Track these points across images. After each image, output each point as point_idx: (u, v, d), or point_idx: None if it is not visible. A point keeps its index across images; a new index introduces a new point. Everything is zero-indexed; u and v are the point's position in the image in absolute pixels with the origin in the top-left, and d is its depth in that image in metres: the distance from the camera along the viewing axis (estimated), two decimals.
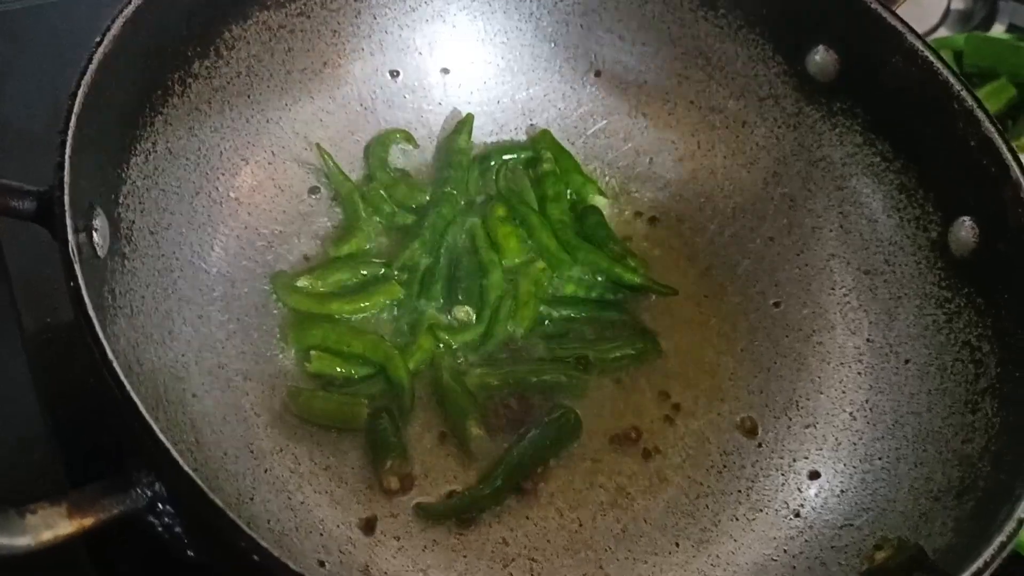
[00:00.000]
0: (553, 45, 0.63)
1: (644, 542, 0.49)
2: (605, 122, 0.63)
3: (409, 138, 0.60)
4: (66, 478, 0.50)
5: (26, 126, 0.62)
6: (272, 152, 0.56)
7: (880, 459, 0.50)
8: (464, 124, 0.61)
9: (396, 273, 0.55)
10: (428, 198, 0.59)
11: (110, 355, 0.34)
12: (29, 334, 0.54)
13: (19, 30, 0.67)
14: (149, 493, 0.33)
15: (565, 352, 0.54)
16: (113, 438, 0.43)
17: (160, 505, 0.34)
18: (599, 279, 0.57)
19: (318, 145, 0.57)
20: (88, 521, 0.32)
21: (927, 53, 0.52)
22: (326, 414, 0.49)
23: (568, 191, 0.60)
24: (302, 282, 0.53)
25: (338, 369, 0.51)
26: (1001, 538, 0.37)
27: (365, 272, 0.55)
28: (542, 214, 0.59)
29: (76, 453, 0.50)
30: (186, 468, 0.32)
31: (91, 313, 0.35)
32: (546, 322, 0.55)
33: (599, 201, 0.60)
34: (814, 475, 0.51)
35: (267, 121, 0.56)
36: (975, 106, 0.50)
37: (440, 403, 0.51)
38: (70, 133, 0.39)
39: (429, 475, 0.49)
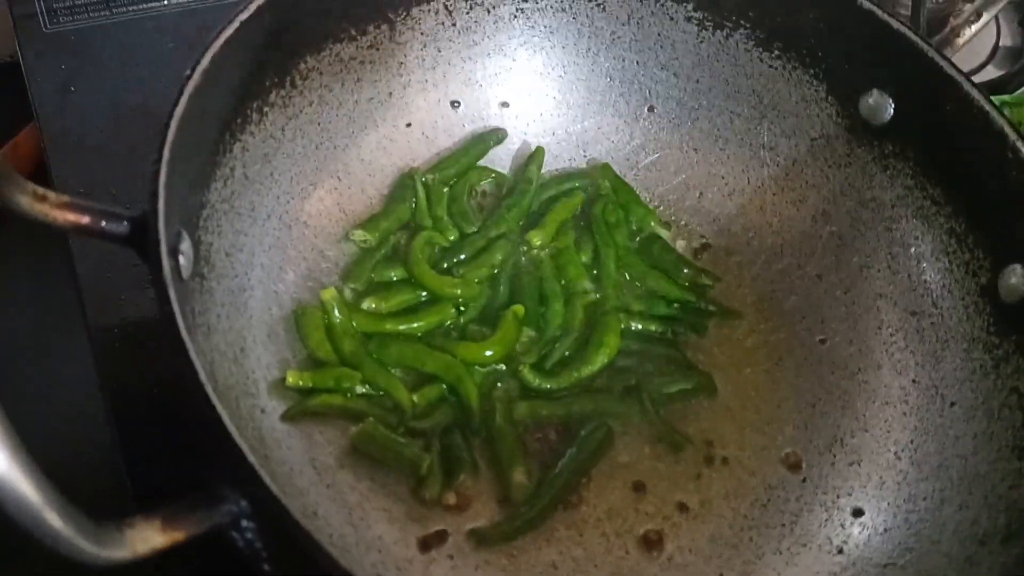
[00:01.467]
0: (609, 80, 0.65)
1: (689, 572, 0.50)
2: (657, 155, 0.65)
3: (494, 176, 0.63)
4: (129, 482, 0.52)
5: (89, 139, 0.64)
6: (338, 178, 0.59)
7: (925, 500, 0.51)
8: (535, 158, 0.63)
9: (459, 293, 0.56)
10: (486, 224, 0.60)
11: (202, 376, 0.36)
12: (96, 336, 0.56)
13: (86, 47, 0.69)
14: (235, 509, 0.35)
15: (617, 383, 0.55)
16: (178, 444, 0.45)
17: (244, 521, 0.36)
18: (654, 313, 0.59)
19: (415, 170, 0.60)
20: (179, 535, 0.34)
21: (982, 102, 0.53)
22: (386, 456, 0.50)
23: (630, 220, 0.62)
24: (368, 303, 0.55)
25: (311, 385, 0.51)
26: None
27: (424, 294, 0.57)
28: (606, 242, 0.61)
29: (141, 458, 0.53)
30: (272, 487, 0.34)
31: (185, 336, 0.37)
32: None
33: (661, 232, 0.62)
34: (858, 512, 0.52)
35: (335, 148, 0.58)
36: None
37: (487, 441, 0.52)
38: (164, 161, 0.41)
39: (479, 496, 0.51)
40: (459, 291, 0.56)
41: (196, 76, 0.44)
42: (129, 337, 0.57)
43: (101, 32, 0.71)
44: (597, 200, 0.62)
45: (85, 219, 0.41)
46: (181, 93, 0.44)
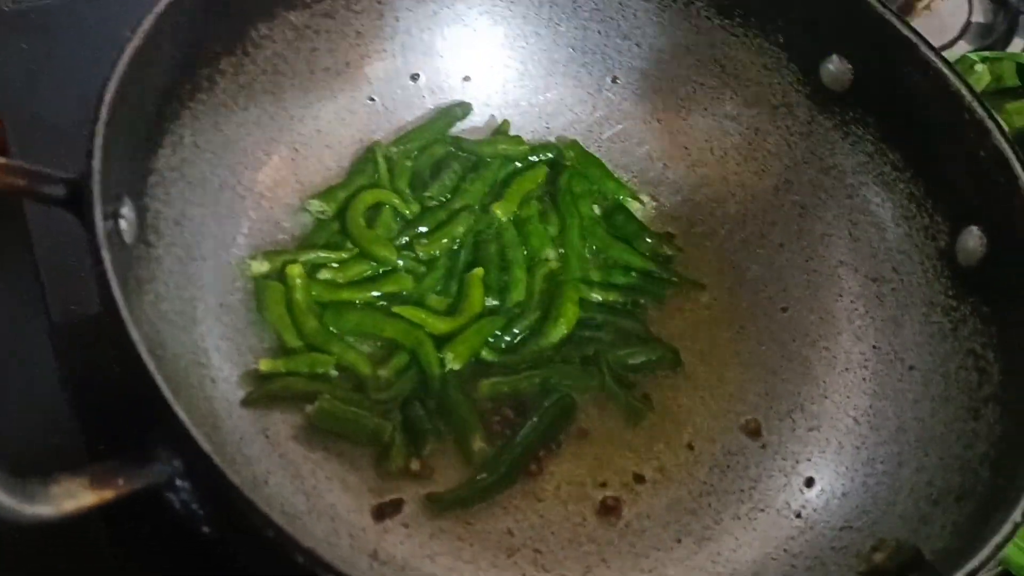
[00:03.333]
0: (571, 51, 0.64)
1: (646, 537, 0.50)
2: (620, 127, 0.65)
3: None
4: (88, 460, 0.52)
5: (57, 120, 0.63)
6: (295, 149, 0.58)
7: (882, 463, 0.51)
8: (500, 130, 0.63)
9: (401, 263, 0.56)
10: (449, 197, 0.60)
11: (133, 333, 0.35)
12: (56, 322, 0.56)
13: (51, 25, 0.68)
14: (168, 469, 0.35)
15: (577, 354, 0.55)
16: (134, 422, 0.45)
17: (178, 481, 0.35)
18: (613, 283, 0.58)
19: (377, 143, 0.59)
20: (109, 493, 0.33)
21: (939, 64, 0.52)
22: (347, 430, 0.50)
23: (599, 192, 0.62)
24: (324, 274, 0.54)
25: (283, 371, 0.51)
26: (996, 540, 0.38)
27: (381, 266, 0.56)
28: (571, 212, 0.60)
29: (98, 437, 0.52)
30: (203, 444, 0.34)
31: (116, 294, 0.36)
32: None
33: (633, 205, 0.62)
34: (816, 477, 0.52)
35: (290, 119, 0.58)
36: (986, 117, 0.50)
37: (443, 412, 0.52)
38: (101, 122, 0.41)
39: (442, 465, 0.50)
40: (388, 253, 0.56)
41: (137, 37, 0.44)
42: (91, 319, 0.57)
43: (64, 11, 0.70)
44: (563, 171, 0.62)
45: (21, 181, 0.40)
46: (121, 53, 0.43)
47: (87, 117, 0.41)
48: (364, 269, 0.56)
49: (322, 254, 0.55)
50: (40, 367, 0.62)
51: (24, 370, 0.70)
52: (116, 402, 0.52)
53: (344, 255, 0.56)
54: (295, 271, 0.53)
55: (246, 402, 0.49)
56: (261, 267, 0.53)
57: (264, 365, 0.50)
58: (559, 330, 0.55)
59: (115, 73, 0.42)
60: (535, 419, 0.52)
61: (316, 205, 0.57)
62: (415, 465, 0.50)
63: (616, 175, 0.63)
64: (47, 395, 0.61)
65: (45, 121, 0.64)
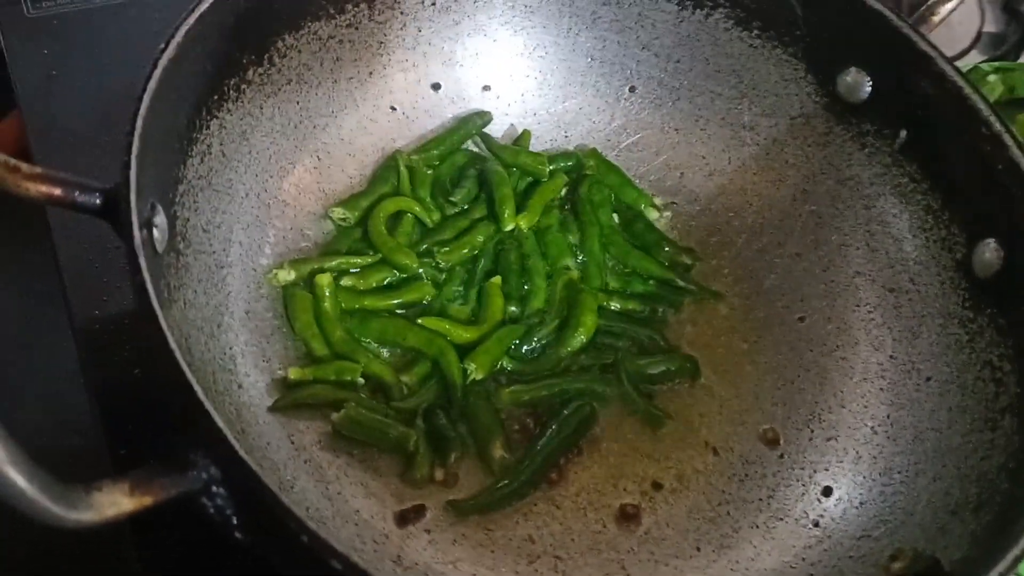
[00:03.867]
0: (590, 60, 0.65)
1: (666, 545, 0.51)
2: (638, 136, 0.65)
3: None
4: (111, 464, 0.53)
5: (75, 124, 0.64)
6: (318, 157, 0.59)
7: (899, 473, 0.51)
8: (521, 140, 0.63)
9: (421, 270, 0.57)
10: (470, 206, 0.60)
11: (172, 343, 0.36)
12: (78, 326, 0.57)
13: (71, 31, 0.69)
14: (205, 475, 0.35)
15: (597, 362, 0.55)
16: (157, 426, 0.45)
17: (214, 488, 0.36)
18: (632, 291, 0.59)
19: (398, 152, 0.60)
20: (148, 500, 0.34)
21: (956, 77, 0.53)
22: (372, 437, 0.51)
23: (618, 201, 0.62)
24: (345, 281, 0.55)
25: (312, 378, 0.51)
26: (1016, 551, 0.39)
27: (402, 274, 0.57)
28: (591, 221, 0.61)
29: (119, 440, 0.53)
30: (240, 452, 0.34)
31: (155, 305, 0.37)
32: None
33: (651, 214, 0.62)
34: (834, 487, 0.52)
35: (314, 127, 0.58)
36: (1003, 130, 0.51)
37: (465, 420, 0.52)
38: (136, 133, 0.41)
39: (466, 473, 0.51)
40: (409, 261, 0.56)
41: (170, 50, 0.45)
42: (112, 323, 0.57)
43: (84, 17, 0.71)
44: (583, 180, 0.62)
45: (57, 191, 0.41)
46: (155, 67, 0.44)
47: (102, 127, 0.42)
48: (385, 276, 0.56)
49: (346, 260, 0.56)
50: (62, 370, 0.63)
51: (46, 373, 0.71)
52: (137, 406, 0.53)
53: (368, 260, 0.56)
54: (324, 280, 0.54)
55: (273, 408, 0.50)
56: (288, 276, 0.54)
57: (293, 373, 0.51)
58: (578, 339, 0.56)
59: (149, 85, 0.43)
60: (555, 427, 0.53)
61: (338, 213, 0.58)
62: (439, 474, 0.50)
63: (635, 184, 0.63)
64: (68, 398, 0.62)
65: (64, 124, 0.65)
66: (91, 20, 0.71)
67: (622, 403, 0.55)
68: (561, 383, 0.54)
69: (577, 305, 0.57)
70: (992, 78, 0.75)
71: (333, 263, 0.56)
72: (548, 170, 0.62)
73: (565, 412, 0.53)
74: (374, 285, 0.56)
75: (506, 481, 0.51)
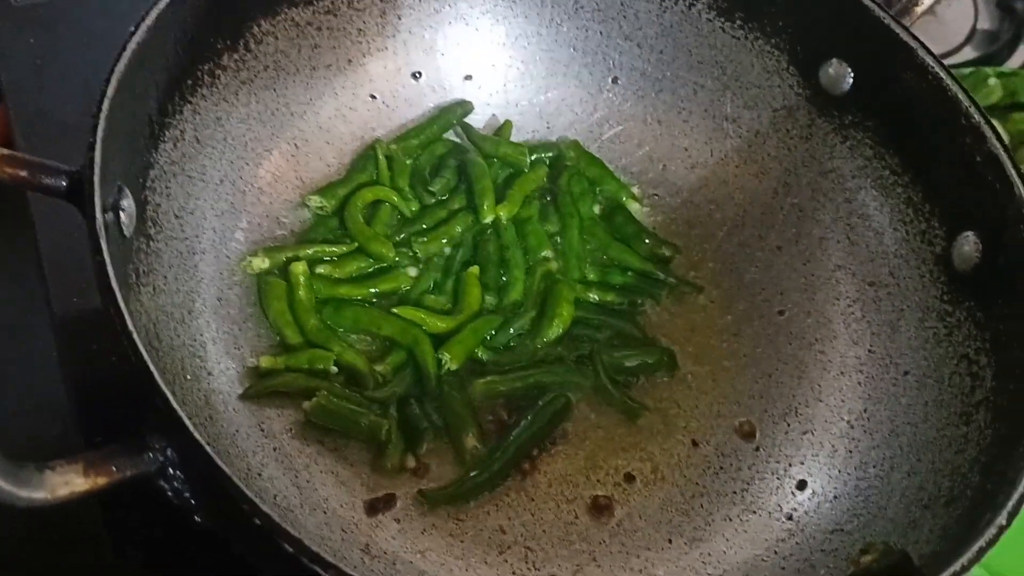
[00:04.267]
0: (572, 51, 0.64)
1: (638, 537, 0.50)
2: (620, 128, 0.65)
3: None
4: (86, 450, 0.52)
5: (61, 114, 0.64)
6: (295, 145, 0.58)
7: (874, 467, 0.51)
8: (502, 131, 0.63)
9: (399, 260, 0.56)
10: (449, 196, 0.60)
11: (128, 322, 0.36)
12: (58, 314, 0.57)
13: (58, 20, 0.69)
14: (161, 458, 0.35)
15: (572, 353, 0.55)
16: (132, 413, 0.45)
17: (171, 470, 0.36)
18: (610, 283, 0.58)
19: (377, 140, 0.60)
20: (102, 480, 0.34)
21: (937, 69, 0.52)
22: (343, 426, 0.50)
23: (599, 192, 0.62)
24: (321, 269, 0.55)
25: (284, 367, 0.51)
26: (980, 543, 0.38)
27: (379, 263, 0.57)
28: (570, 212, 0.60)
29: (97, 428, 0.53)
30: (195, 433, 0.34)
31: (114, 284, 0.37)
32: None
33: (632, 206, 0.62)
34: (808, 480, 0.52)
35: (291, 115, 0.58)
36: (982, 122, 0.51)
37: (438, 410, 0.52)
38: (103, 116, 0.41)
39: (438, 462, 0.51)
40: (386, 250, 0.56)
41: (139, 33, 0.44)
42: (91, 312, 0.57)
43: (71, 6, 0.71)
44: (563, 171, 0.62)
45: (23, 172, 0.41)
46: (124, 48, 0.44)
47: (90, 110, 0.42)
48: (362, 265, 0.56)
49: (321, 248, 0.56)
50: (41, 359, 0.63)
51: (25, 361, 0.71)
52: (115, 394, 0.53)
53: (344, 249, 0.56)
54: (299, 269, 0.54)
55: (244, 396, 0.50)
56: (262, 263, 0.54)
57: (265, 362, 0.51)
58: (554, 330, 0.55)
59: (117, 67, 0.43)
60: (529, 418, 0.52)
61: (316, 201, 0.57)
62: (411, 462, 0.50)
63: (616, 176, 0.63)
64: (48, 386, 0.62)
65: (50, 114, 0.64)
66: (78, 8, 0.71)
67: (598, 395, 0.54)
68: (536, 374, 0.54)
69: (554, 296, 0.56)
70: (992, 82, 0.75)
71: (309, 251, 0.55)
72: (528, 161, 0.62)
73: (539, 403, 0.53)
74: (350, 274, 0.56)
75: (477, 471, 0.50)
